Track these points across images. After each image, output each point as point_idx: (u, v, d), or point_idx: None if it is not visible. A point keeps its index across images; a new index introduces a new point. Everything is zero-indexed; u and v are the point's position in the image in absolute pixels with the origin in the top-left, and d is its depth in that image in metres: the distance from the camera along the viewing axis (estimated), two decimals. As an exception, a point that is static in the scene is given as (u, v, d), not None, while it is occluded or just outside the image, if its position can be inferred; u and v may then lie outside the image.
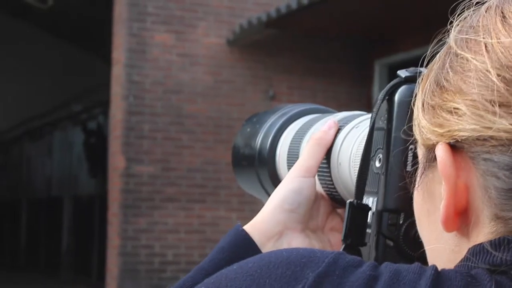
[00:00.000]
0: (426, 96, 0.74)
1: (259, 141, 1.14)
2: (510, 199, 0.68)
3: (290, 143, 1.10)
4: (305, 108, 1.18)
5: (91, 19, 14.04)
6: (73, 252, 11.76)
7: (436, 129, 0.72)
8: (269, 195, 1.02)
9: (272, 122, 1.15)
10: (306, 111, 1.17)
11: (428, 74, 0.76)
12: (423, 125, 0.74)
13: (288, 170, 1.05)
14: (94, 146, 10.63)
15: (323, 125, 1.04)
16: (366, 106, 8.47)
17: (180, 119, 8.30)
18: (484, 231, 0.70)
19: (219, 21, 8.46)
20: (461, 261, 0.70)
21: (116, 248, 8.14)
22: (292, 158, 1.08)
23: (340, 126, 1.02)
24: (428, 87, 0.74)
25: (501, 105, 0.67)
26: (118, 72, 8.26)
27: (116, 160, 8.20)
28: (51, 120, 13.04)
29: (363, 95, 8.78)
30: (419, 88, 0.76)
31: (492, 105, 0.68)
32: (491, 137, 0.68)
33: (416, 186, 0.76)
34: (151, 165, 8.20)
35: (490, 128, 0.68)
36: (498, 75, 0.68)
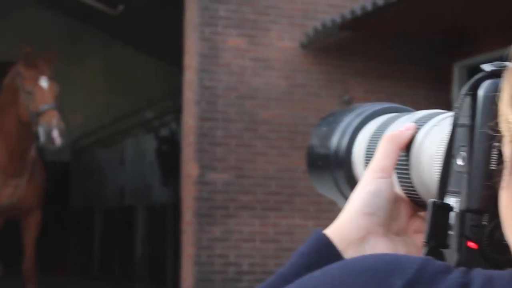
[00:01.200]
0: None
1: (335, 141, 1.12)
2: None
3: (368, 144, 1.07)
4: (382, 107, 1.15)
5: (162, 24, 14.03)
6: (147, 261, 11.72)
7: None
8: (345, 198, 1.01)
9: (348, 121, 1.13)
10: (384, 110, 1.14)
11: None
12: (511, 120, 0.71)
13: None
14: (166, 154, 10.56)
15: (402, 125, 1.01)
16: (446, 109, 8.18)
17: (254, 125, 8.15)
18: None
19: (292, 24, 8.28)
20: None
21: (190, 257, 8.03)
22: (370, 159, 1.04)
23: (419, 124, 0.99)
24: None
25: None
26: (190, 77, 8.14)
27: (189, 168, 8.08)
28: (123, 128, 13.05)
29: (442, 99, 8.50)
30: (505, 81, 0.74)
31: None
32: None
33: (502, 186, 0.74)
34: (225, 172, 8.06)
35: None
36: None
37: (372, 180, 0.95)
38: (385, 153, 0.96)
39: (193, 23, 8.09)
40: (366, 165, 1.06)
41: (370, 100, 8.35)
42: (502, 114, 0.74)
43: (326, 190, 1.16)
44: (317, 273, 0.74)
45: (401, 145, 0.96)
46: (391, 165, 0.96)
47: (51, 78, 8.05)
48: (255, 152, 8.16)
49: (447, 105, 8.21)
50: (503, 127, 0.74)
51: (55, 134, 7.70)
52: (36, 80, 7.93)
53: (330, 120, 1.17)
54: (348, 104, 8.37)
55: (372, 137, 1.07)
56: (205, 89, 8.06)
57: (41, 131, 7.74)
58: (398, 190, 1.00)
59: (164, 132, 11.05)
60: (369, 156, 1.06)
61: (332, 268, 0.73)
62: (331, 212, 8.28)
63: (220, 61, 8.10)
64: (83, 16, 15.72)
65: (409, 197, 1.00)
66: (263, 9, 8.22)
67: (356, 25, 7.75)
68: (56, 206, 13.12)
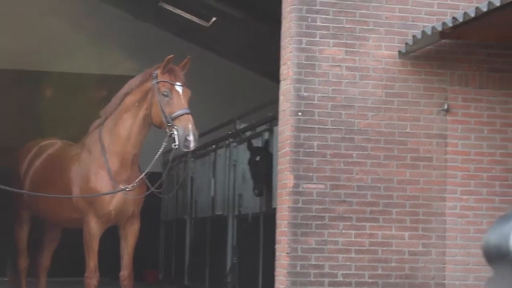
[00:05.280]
0: None
1: None
2: None
3: None
4: None
5: (255, 35, 14.11)
6: (238, 271, 11.73)
7: None
8: None
9: None
10: None
11: None
12: None
13: None
14: (259, 164, 10.56)
15: None
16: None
17: (350, 134, 8.08)
18: None
19: (390, 32, 8.19)
20: None
21: (285, 267, 7.98)
22: None
23: None
24: None
25: None
26: (286, 87, 8.12)
27: (285, 178, 8.05)
28: (215, 139, 13.13)
29: (544, 107, 8.30)
30: None
31: None
32: None
33: None
34: (321, 182, 8.00)
35: None
36: None
37: None
38: None
39: (290, 33, 8.07)
40: None
41: (470, 109, 8.23)
42: None
43: (502, 278, 1.04)
44: None
45: None
46: None
47: (185, 84, 8.39)
48: (351, 162, 8.08)
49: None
50: None
51: (191, 138, 8.04)
52: (172, 85, 8.26)
53: (507, 217, 1.10)
54: (447, 113, 8.23)
55: None
56: (301, 99, 8.03)
57: (177, 134, 8.05)
58: None
59: (257, 142, 11.06)
60: None
61: None
62: (428, 222, 8.14)
63: (316, 71, 8.06)
64: (176, 29, 15.97)
65: None
66: (361, 17, 8.16)
67: (457, 32, 7.62)
68: (148, 215, 13.30)
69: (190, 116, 8.28)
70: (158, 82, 8.39)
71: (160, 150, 8.49)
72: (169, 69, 8.46)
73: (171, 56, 8.50)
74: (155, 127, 8.66)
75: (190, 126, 8.17)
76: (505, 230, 1.07)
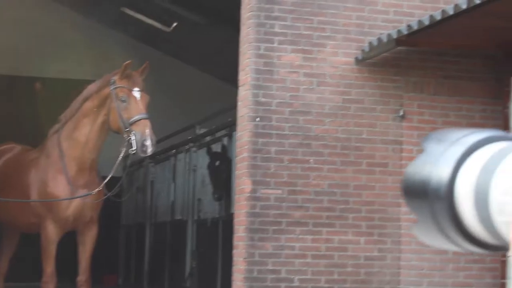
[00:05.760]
0: None
1: (435, 171, 1.02)
2: None
3: (478, 180, 0.96)
4: (487, 136, 1.02)
5: (215, 41, 14.15)
6: (197, 276, 11.74)
7: None
8: (444, 233, 0.93)
9: (449, 150, 1.01)
10: (489, 139, 1.01)
11: None
12: None
13: (475, 207, 0.90)
14: (218, 169, 10.59)
15: None
16: (502, 126, 8.10)
17: (308, 140, 8.14)
18: None
19: (347, 39, 8.27)
20: None
21: (242, 272, 8.02)
22: (481, 196, 0.93)
23: None
24: None
25: None
26: (245, 93, 8.17)
27: (243, 183, 8.09)
28: (175, 143, 13.14)
29: (498, 114, 8.42)
30: None
31: None
32: None
33: None
34: (278, 188, 8.05)
35: None
36: None
37: None
38: None
39: (249, 39, 8.12)
40: (477, 203, 0.97)
41: (425, 115, 8.31)
42: None
43: (423, 222, 1.07)
44: None
45: None
46: None
47: (143, 89, 8.42)
48: (308, 168, 8.14)
49: (504, 120, 8.13)
50: None
51: (148, 143, 8.06)
52: (130, 91, 8.29)
53: (430, 146, 1.09)
54: (402, 119, 8.33)
55: (482, 173, 0.98)
56: (259, 104, 8.08)
57: (134, 139, 8.07)
58: None
59: (216, 147, 11.09)
60: (480, 192, 0.97)
61: None
62: (383, 227, 8.23)
63: (274, 77, 8.12)
64: (138, 34, 15.96)
65: None
66: (318, 24, 8.23)
67: (412, 39, 7.73)
68: (108, 220, 13.25)
69: (147, 121, 8.30)
70: (116, 88, 8.42)
71: (121, 156, 8.50)
72: (127, 75, 8.50)
73: (129, 62, 8.53)
74: (114, 132, 8.67)
75: (147, 131, 8.21)
76: (427, 166, 1.05)
